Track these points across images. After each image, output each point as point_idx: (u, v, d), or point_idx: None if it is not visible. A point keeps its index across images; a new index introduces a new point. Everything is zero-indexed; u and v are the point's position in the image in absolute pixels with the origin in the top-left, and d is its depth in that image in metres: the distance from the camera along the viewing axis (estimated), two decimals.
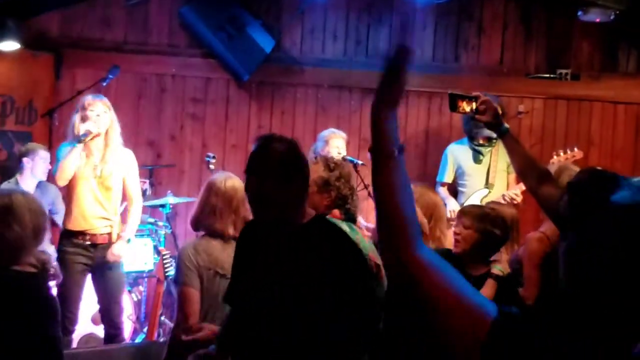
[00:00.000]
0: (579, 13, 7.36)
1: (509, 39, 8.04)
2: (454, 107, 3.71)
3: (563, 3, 7.86)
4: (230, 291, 3.37)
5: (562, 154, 6.46)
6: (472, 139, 7.00)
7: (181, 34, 7.97)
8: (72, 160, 5.76)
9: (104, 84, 7.01)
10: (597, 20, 7.39)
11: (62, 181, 5.84)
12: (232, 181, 4.39)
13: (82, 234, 5.89)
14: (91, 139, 5.80)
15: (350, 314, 2.96)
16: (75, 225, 5.90)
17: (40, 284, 3.34)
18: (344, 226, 3.64)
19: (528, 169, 3.75)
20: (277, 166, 3.02)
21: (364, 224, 6.58)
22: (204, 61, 7.94)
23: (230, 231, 4.17)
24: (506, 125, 3.70)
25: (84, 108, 5.82)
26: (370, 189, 7.28)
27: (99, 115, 5.82)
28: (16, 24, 7.20)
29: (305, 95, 8.02)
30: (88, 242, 5.90)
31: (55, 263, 3.50)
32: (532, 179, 3.73)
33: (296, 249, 3.05)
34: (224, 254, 4.13)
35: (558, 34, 8.03)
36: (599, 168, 3.95)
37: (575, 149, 6.44)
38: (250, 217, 4.36)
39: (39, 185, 6.91)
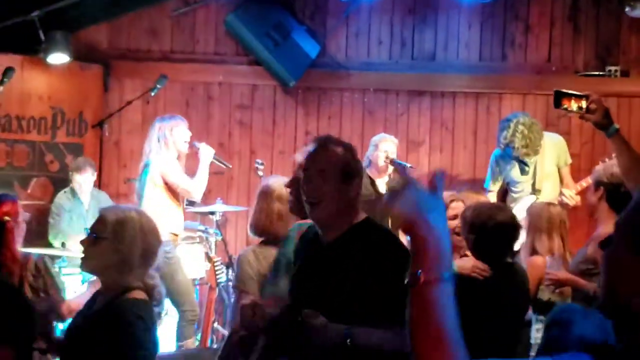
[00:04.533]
0: (627, 9, 7.26)
1: (556, 37, 7.93)
2: (558, 105, 3.65)
3: None
4: (292, 290, 3.36)
5: (607, 160, 6.02)
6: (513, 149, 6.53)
7: (227, 42, 8.03)
8: None
9: (152, 93, 7.09)
10: None
11: None
12: None
13: None
14: None
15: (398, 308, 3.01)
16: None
17: (150, 315, 3.12)
18: None
19: (634, 170, 3.67)
20: (337, 167, 3.07)
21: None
22: (250, 68, 7.99)
23: None
24: (616, 125, 3.60)
25: None
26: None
27: None
28: (65, 37, 7.32)
29: (351, 100, 8.01)
30: None
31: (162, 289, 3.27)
32: (637, 181, 3.65)
33: (348, 248, 3.07)
34: None
35: (606, 30, 7.90)
36: None
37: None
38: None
39: (92, 193, 7.04)
